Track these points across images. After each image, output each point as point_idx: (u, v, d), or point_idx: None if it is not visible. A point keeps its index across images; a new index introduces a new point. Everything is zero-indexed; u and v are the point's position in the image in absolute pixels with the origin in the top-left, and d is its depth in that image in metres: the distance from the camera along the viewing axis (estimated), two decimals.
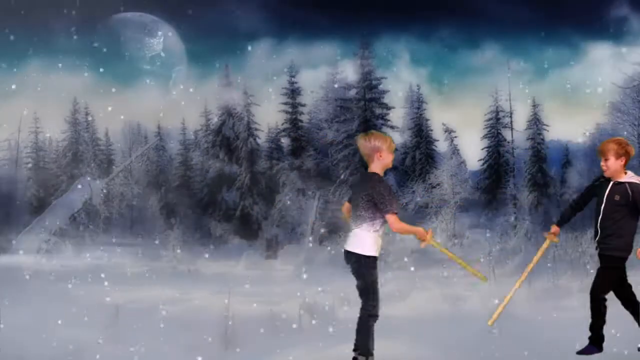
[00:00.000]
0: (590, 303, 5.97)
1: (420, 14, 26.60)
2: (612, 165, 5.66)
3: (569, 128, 26.67)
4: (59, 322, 7.81)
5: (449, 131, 27.34)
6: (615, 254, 5.71)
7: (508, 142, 27.01)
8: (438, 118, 27.39)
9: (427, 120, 27.78)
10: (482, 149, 27.56)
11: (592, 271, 11.43)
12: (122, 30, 23.68)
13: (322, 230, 24.73)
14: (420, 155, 27.24)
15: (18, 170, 26.92)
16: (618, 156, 5.64)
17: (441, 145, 27.41)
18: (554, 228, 6.27)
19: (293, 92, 27.88)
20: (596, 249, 5.95)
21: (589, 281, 10.33)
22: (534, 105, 26.88)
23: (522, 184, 26.29)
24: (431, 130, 27.80)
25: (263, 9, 25.10)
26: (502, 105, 27.09)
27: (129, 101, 25.43)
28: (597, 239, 5.87)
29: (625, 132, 24.71)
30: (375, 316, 5.31)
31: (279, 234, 25.77)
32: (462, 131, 27.11)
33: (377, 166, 5.48)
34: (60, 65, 23.44)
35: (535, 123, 26.85)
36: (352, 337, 6.90)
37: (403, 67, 27.54)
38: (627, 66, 23.86)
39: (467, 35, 27.19)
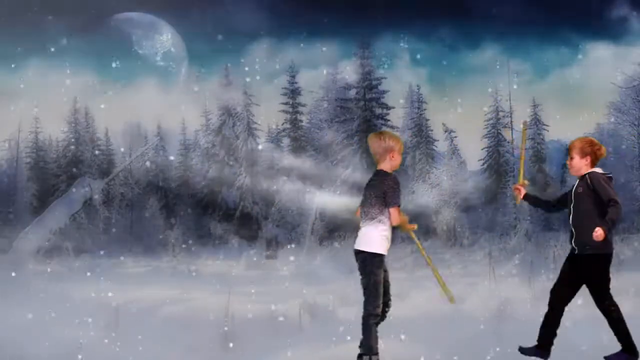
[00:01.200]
0: (604, 315, 5.44)
1: (420, 14, 26.63)
2: (576, 164, 5.43)
3: (569, 128, 26.73)
4: (59, 322, 7.80)
5: (449, 131, 27.35)
6: (594, 252, 5.22)
7: (508, 142, 27.03)
8: (438, 118, 27.44)
9: (427, 120, 27.80)
10: (482, 149, 27.61)
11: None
12: (123, 30, 23.67)
13: (322, 230, 24.73)
14: (420, 155, 27.24)
15: (18, 170, 26.93)
16: (582, 155, 5.40)
17: (441, 145, 27.46)
18: (522, 189, 5.91)
19: (293, 92, 27.90)
20: (574, 251, 5.40)
21: None
22: (534, 105, 26.92)
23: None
24: (431, 130, 27.82)
25: (263, 9, 25.12)
26: (502, 105, 27.14)
27: (129, 101, 25.44)
28: (572, 240, 5.40)
29: (625, 132, 24.73)
30: (375, 315, 5.28)
31: (279, 234, 25.77)
32: (462, 131, 27.12)
33: (386, 166, 5.49)
34: (60, 65, 23.45)
35: (535, 123, 26.89)
36: (353, 336, 6.91)
37: (403, 67, 27.58)
38: (627, 66, 23.89)
39: (467, 35, 27.23)
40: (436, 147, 27.53)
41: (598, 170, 5.39)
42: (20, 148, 27.41)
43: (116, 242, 22.98)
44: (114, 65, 24.19)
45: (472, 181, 25.86)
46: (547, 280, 10.90)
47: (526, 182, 6.01)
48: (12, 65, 23.30)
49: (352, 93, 26.75)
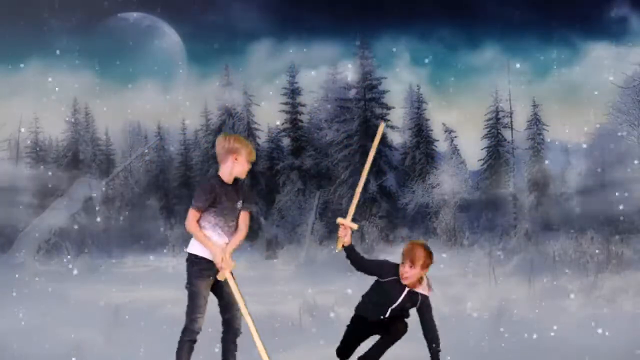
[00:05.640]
0: None
1: (420, 14, 26.64)
2: (416, 275, 5.16)
3: (569, 128, 26.70)
4: (59, 322, 7.80)
5: (449, 131, 27.35)
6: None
7: (508, 142, 27.02)
8: (438, 118, 27.45)
9: (427, 120, 27.79)
10: (482, 149, 27.59)
11: (592, 271, 11.43)
12: (123, 30, 23.68)
13: (322, 230, 24.73)
14: (420, 155, 27.24)
15: (18, 170, 26.92)
16: (424, 267, 5.19)
17: (441, 145, 27.47)
18: (349, 232, 5.39)
19: (293, 92, 27.88)
20: None
21: (588, 281, 10.37)
22: (534, 105, 26.89)
23: (522, 184, 26.30)
24: (431, 130, 27.81)
25: (263, 9, 25.13)
26: (502, 105, 27.13)
27: (129, 101, 25.45)
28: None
29: (625, 132, 24.72)
30: (188, 330, 4.77)
31: (279, 234, 25.75)
32: (462, 131, 27.15)
33: (226, 170, 5.12)
34: (60, 65, 23.47)
35: (535, 123, 26.86)
36: None
37: (403, 67, 27.58)
38: (627, 66, 23.88)
39: (467, 35, 27.24)
40: (436, 147, 27.55)
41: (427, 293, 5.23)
42: (20, 148, 27.41)
43: (116, 242, 22.96)
44: (114, 65, 24.21)
45: (472, 181, 25.87)
46: (547, 280, 10.90)
47: (354, 225, 5.35)
48: (12, 65, 23.30)
49: (352, 93, 26.75)
